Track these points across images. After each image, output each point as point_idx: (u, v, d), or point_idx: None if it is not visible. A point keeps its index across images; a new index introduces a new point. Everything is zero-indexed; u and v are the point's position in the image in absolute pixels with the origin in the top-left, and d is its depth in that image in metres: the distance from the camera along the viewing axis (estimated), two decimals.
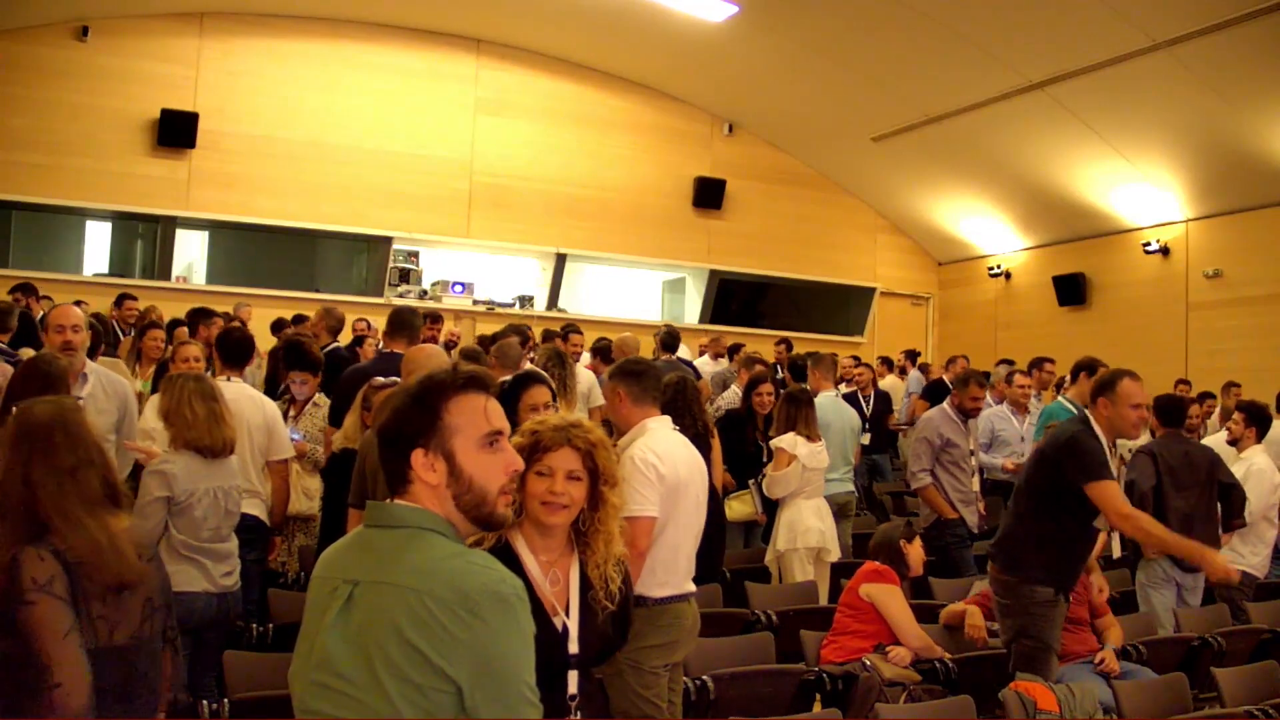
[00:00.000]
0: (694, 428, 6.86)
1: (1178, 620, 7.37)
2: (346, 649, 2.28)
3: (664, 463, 4.81)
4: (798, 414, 8.20)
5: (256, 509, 6.36)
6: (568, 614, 3.30)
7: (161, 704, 3.42)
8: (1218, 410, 12.36)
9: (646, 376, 5.12)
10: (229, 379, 6.47)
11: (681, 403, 6.94)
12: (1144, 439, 9.00)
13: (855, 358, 14.02)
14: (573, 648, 3.28)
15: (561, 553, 3.39)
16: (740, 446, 8.97)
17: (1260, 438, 8.58)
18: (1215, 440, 8.79)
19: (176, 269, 16.53)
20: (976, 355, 15.17)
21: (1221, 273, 16.34)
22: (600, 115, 18.87)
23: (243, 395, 6.39)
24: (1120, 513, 5.66)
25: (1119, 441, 6.91)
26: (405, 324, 7.51)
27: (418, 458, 2.42)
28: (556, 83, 18.56)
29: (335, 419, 7.02)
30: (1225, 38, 13.17)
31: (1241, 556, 8.05)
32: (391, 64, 17.39)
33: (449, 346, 11.93)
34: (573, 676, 3.28)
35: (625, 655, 4.25)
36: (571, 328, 12.38)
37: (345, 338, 11.35)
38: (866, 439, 12.25)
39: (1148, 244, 17.26)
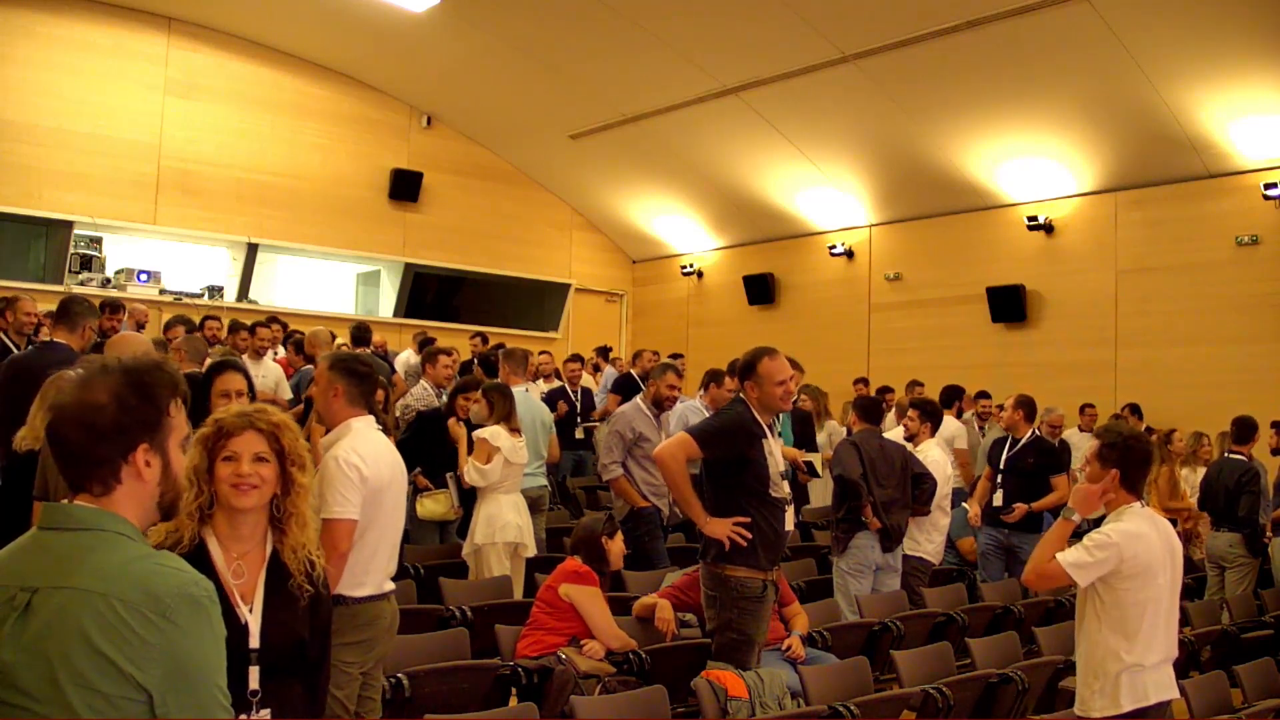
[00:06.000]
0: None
1: (860, 606, 7.67)
2: (25, 661, 2.10)
3: (368, 464, 4.76)
4: (501, 407, 8.16)
5: None
6: (250, 609, 3.25)
7: None
8: (894, 408, 12.88)
9: (368, 379, 5.04)
10: None
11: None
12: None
13: (579, 355, 14.05)
14: (253, 642, 3.22)
15: (254, 545, 3.34)
16: (437, 443, 8.79)
17: (934, 432, 9.07)
18: (894, 435, 9.17)
19: None
20: (669, 351, 15.44)
21: (901, 276, 17.17)
22: (295, 102, 18.37)
23: None
24: (665, 452, 5.95)
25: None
26: (66, 312, 7.30)
27: (141, 453, 2.28)
28: (251, 66, 17.93)
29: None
30: (907, 54, 13.84)
31: (919, 544, 8.47)
32: (74, 37, 16.35)
33: (139, 329, 11.45)
34: (254, 673, 3.21)
35: None
36: (260, 322, 12.01)
37: None
38: (580, 433, 12.35)
39: (833, 247, 18.00)
